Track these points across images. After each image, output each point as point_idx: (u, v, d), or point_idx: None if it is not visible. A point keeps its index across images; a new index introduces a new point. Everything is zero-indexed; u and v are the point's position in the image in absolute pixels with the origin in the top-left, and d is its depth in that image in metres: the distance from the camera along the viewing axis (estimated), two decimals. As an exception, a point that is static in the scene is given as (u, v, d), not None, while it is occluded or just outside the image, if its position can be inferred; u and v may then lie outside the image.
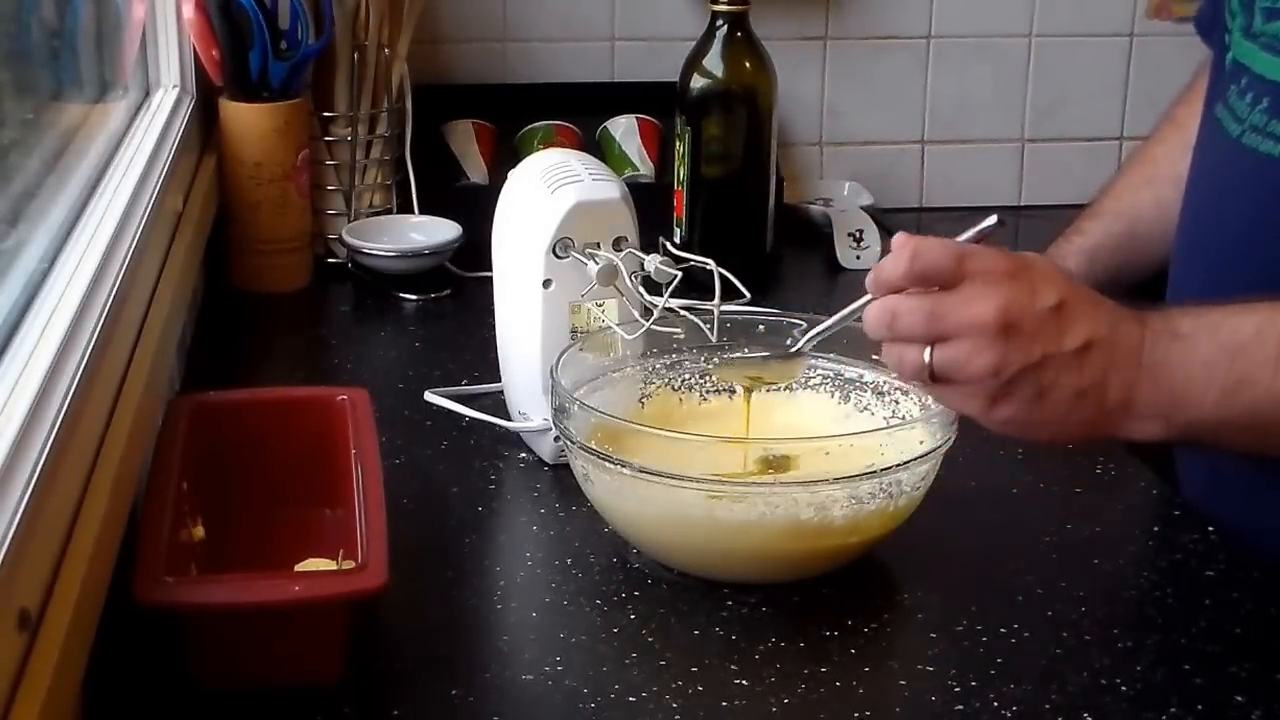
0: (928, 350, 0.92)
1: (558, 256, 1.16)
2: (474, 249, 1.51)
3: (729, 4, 1.56)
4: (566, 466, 1.12)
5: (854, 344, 1.17)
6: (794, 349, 1.08)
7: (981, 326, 0.91)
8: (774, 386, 1.15)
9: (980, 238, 0.97)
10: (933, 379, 0.94)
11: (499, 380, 1.27)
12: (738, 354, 1.15)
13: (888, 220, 1.84)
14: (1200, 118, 1.21)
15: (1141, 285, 1.33)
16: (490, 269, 1.24)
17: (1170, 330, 0.94)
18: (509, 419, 1.25)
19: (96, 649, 0.84)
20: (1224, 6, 1.18)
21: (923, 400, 1.12)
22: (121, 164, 1.31)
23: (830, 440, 1.05)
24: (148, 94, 1.57)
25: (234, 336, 1.52)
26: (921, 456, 1.02)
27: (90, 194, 1.22)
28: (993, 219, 0.99)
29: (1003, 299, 0.91)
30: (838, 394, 1.17)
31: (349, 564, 0.96)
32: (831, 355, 1.18)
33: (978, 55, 1.98)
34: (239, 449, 1.09)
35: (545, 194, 1.16)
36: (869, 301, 0.97)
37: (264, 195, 1.58)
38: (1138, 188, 1.38)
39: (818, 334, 1.07)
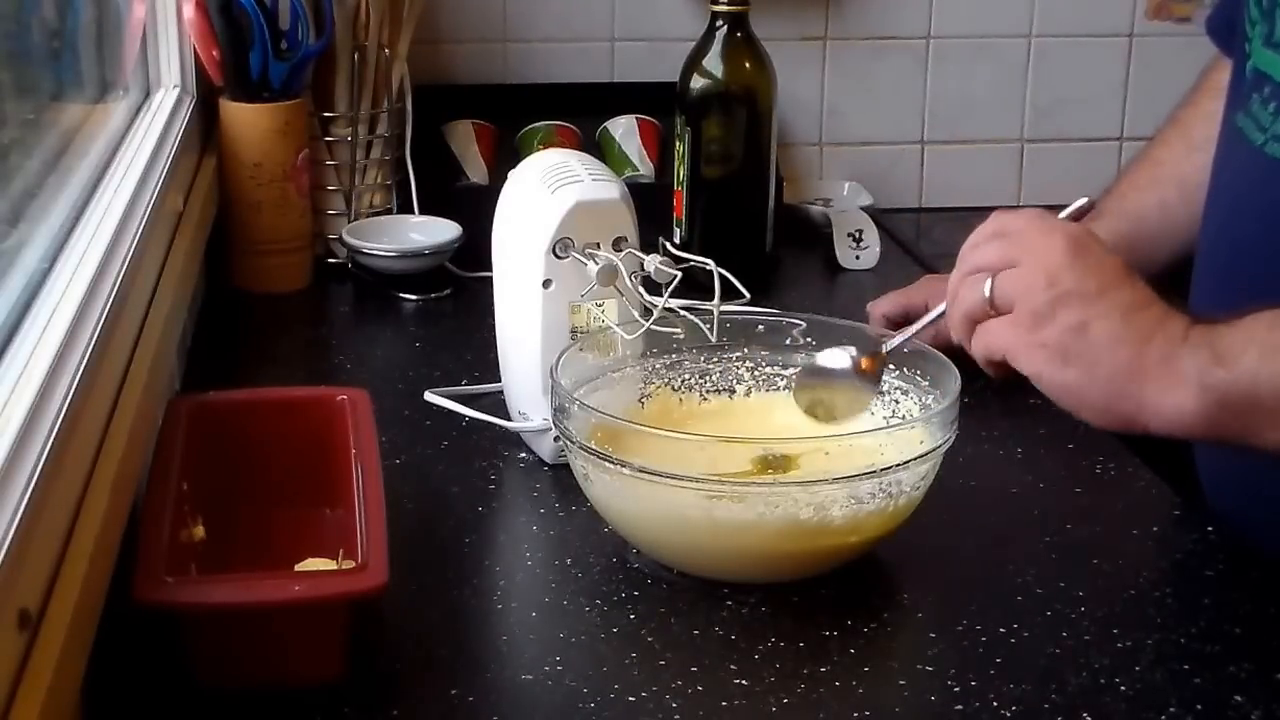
0: (989, 281, 0.98)
1: (558, 256, 1.16)
2: (474, 249, 1.52)
3: (729, 4, 1.56)
4: (566, 466, 1.12)
5: (853, 344, 1.17)
6: (884, 349, 1.12)
7: (1050, 249, 0.97)
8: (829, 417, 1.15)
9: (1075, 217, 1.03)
10: (991, 306, 0.98)
11: (499, 380, 1.27)
12: (814, 369, 1.15)
13: (887, 220, 1.84)
14: (1218, 125, 1.21)
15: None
16: (490, 269, 1.24)
17: (1217, 320, 0.98)
18: (509, 419, 1.25)
19: (96, 649, 0.84)
20: (1243, 14, 1.17)
21: (923, 400, 1.12)
22: (122, 164, 1.32)
23: (830, 440, 1.05)
24: (148, 94, 1.57)
25: (234, 336, 1.52)
26: (921, 456, 1.02)
27: (90, 194, 1.22)
28: (1084, 200, 1.07)
29: (1073, 238, 0.98)
30: (837, 394, 1.17)
31: (349, 564, 0.96)
32: (831, 355, 1.18)
33: (978, 55, 1.98)
34: (239, 449, 1.09)
35: (545, 194, 1.16)
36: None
37: (264, 195, 1.58)
38: (1142, 189, 1.38)
39: (902, 341, 1.11)
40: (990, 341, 1.00)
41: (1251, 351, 0.94)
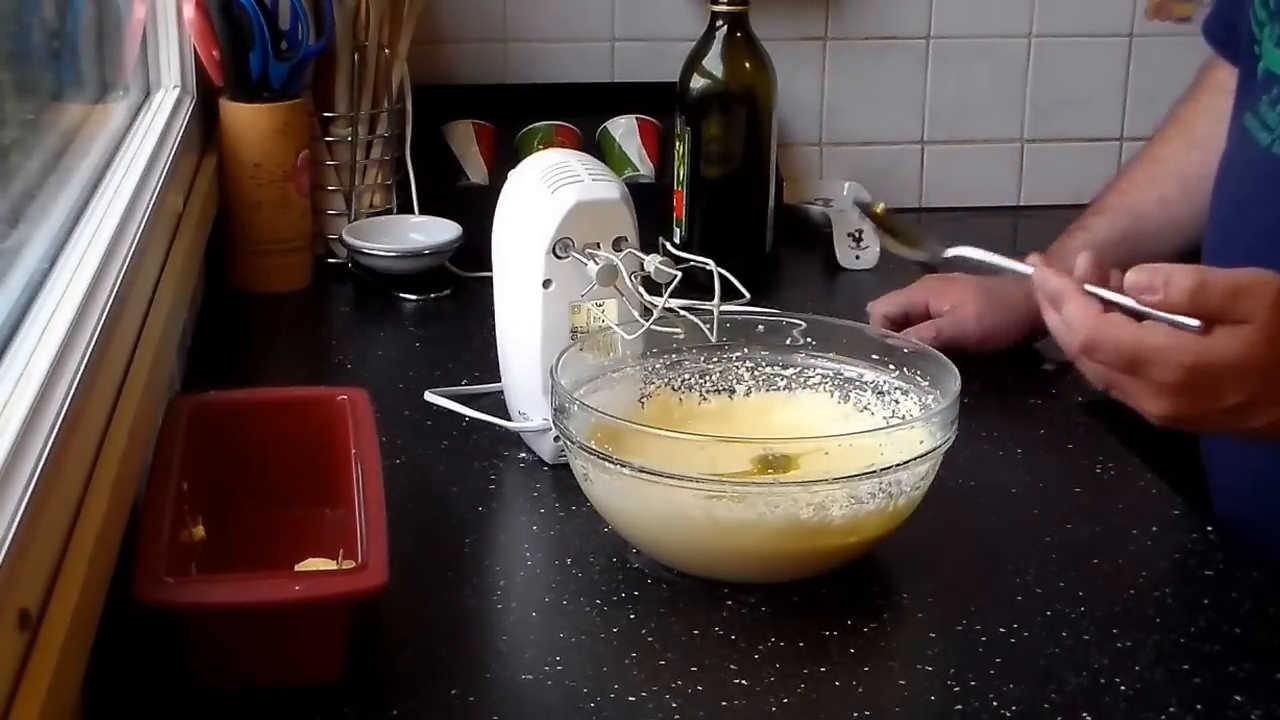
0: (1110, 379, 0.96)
1: (558, 256, 1.16)
2: (474, 249, 1.52)
3: (729, 4, 1.56)
4: (566, 466, 1.12)
5: (854, 344, 1.17)
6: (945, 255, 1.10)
7: (1162, 388, 0.94)
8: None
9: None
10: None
11: (499, 380, 1.27)
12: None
13: (888, 220, 1.84)
14: (1219, 120, 1.20)
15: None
16: (490, 269, 1.24)
17: None
18: (509, 419, 1.25)
19: (96, 649, 0.84)
20: (1247, 16, 1.17)
21: (922, 400, 1.12)
22: (122, 164, 1.32)
23: (830, 440, 1.05)
24: (148, 94, 1.57)
25: (234, 336, 1.52)
26: (921, 456, 1.02)
27: (91, 194, 1.22)
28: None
29: (1182, 388, 0.93)
30: (837, 394, 1.17)
31: (349, 564, 0.96)
32: (831, 355, 1.18)
33: (978, 55, 1.98)
34: (239, 449, 1.09)
35: (545, 194, 1.16)
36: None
37: (264, 195, 1.58)
38: (1142, 185, 1.38)
39: (971, 255, 1.07)
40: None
41: None
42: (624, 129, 1.85)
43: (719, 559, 1.03)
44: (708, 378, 1.20)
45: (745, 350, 1.19)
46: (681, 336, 1.18)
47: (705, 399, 1.20)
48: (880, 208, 1.08)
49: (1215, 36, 1.29)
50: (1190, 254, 1.26)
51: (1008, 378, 1.39)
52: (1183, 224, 1.31)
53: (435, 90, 1.80)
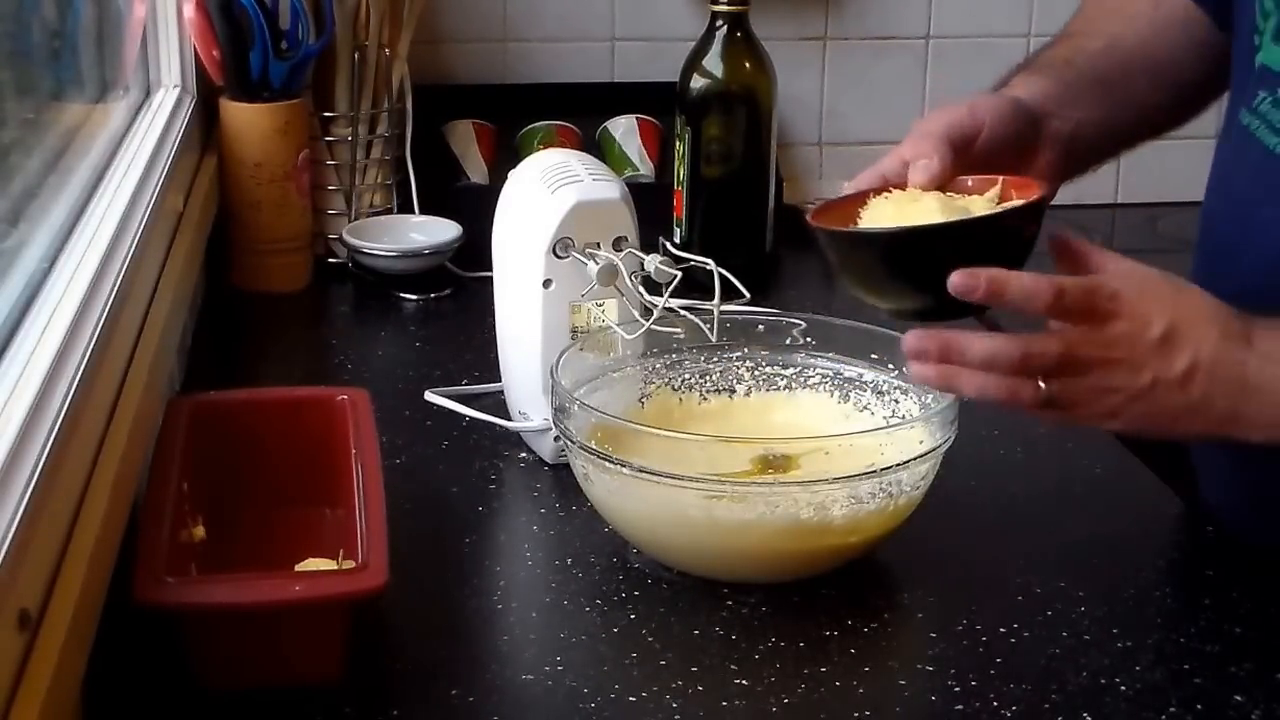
0: (1041, 384, 0.94)
1: (558, 256, 1.16)
2: (474, 249, 1.52)
3: (729, 4, 1.56)
4: (566, 466, 1.12)
5: (853, 344, 1.17)
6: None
7: (1098, 360, 0.93)
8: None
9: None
10: (1046, 407, 0.95)
11: (499, 380, 1.27)
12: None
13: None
14: (1224, 117, 1.18)
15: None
16: (490, 269, 1.24)
17: (1275, 353, 0.95)
18: (509, 419, 1.25)
19: (96, 649, 0.84)
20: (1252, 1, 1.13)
21: (922, 400, 1.12)
22: (122, 164, 1.32)
23: (830, 440, 1.05)
24: (148, 94, 1.57)
25: (234, 336, 1.52)
26: (921, 456, 1.02)
27: (91, 194, 1.22)
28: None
29: (1116, 334, 0.93)
30: (837, 393, 1.17)
31: (349, 564, 0.96)
32: (831, 355, 1.18)
33: (977, 55, 1.98)
34: (239, 449, 1.09)
35: (545, 194, 1.16)
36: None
37: (264, 195, 1.58)
38: (1109, 15, 1.30)
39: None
40: (1051, 420, 0.99)
41: None
42: (624, 129, 1.85)
43: (719, 559, 1.03)
44: (708, 377, 1.20)
45: (745, 350, 1.19)
46: (682, 336, 1.18)
47: (705, 399, 1.20)
48: None
49: (1210, 5, 1.23)
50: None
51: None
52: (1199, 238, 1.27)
53: (435, 90, 1.80)
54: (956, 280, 0.92)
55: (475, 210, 1.46)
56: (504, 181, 1.23)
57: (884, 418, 1.14)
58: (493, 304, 1.25)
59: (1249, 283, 1.12)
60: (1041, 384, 0.94)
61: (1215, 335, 0.95)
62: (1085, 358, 0.93)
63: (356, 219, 1.67)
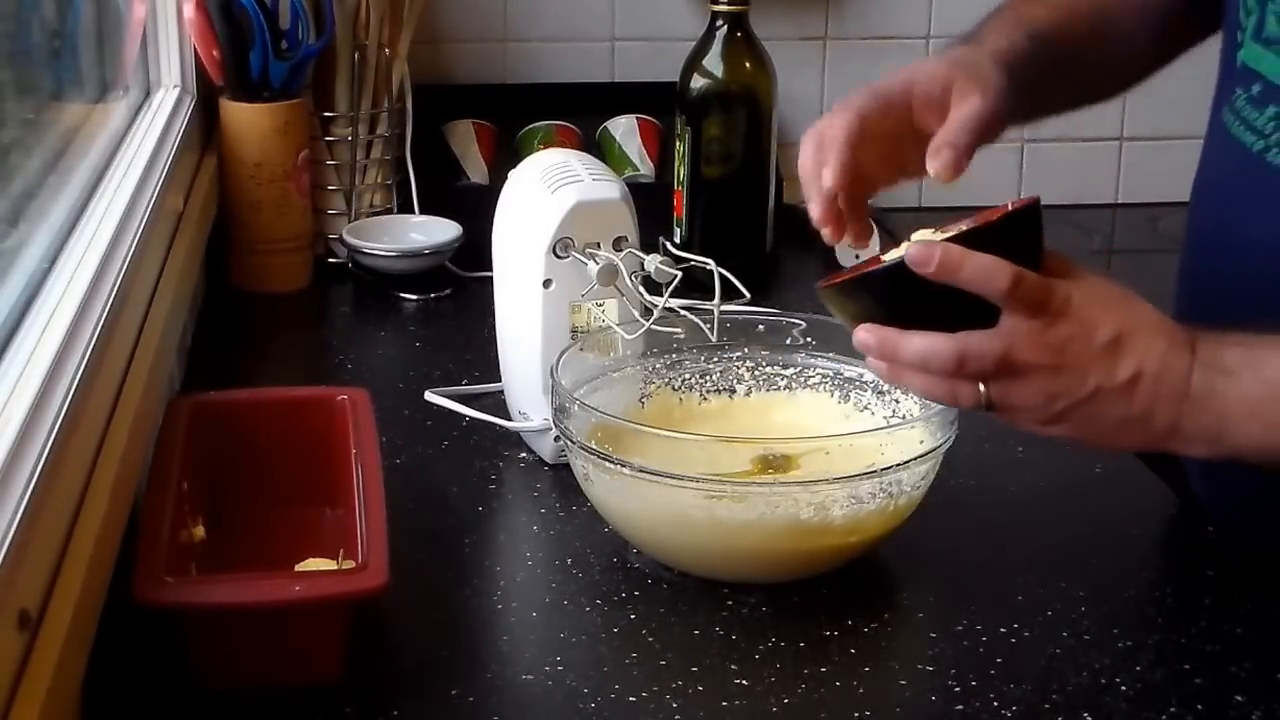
0: (982, 386, 0.93)
1: (558, 256, 1.16)
2: (474, 249, 1.52)
3: (729, 4, 1.56)
4: (566, 466, 1.12)
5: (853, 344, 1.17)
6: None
7: (1042, 366, 0.92)
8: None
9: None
10: (988, 409, 0.94)
11: (499, 380, 1.27)
12: None
13: (887, 220, 1.84)
14: (1209, 115, 1.18)
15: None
16: (490, 269, 1.24)
17: (1218, 364, 0.94)
18: (509, 419, 1.25)
19: (96, 649, 0.84)
20: None
21: (923, 400, 1.12)
22: (122, 164, 1.32)
23: (830, 440, 1.05)
24: (148, 94, 1.57)
25: (234, 336, 1.52)
26: (921, 456, 1.02)
27: (91, 194, 1.22)
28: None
29: (1063, 337, 0.92)
30: (838, 393, 1.17)
31: (349, 564, 0.96)
32: (831, 354, 1.18)
33: (978, 55, 1.98)
34: (239, 449, 1.09)
35: (545, 194, 1.16)
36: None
37: (264, 195, 1.58)
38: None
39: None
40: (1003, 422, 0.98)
41: (1254, 427, 0.93)
42: (624, 129, 1.85)
43: (720, 559, 1.03)
44: (708, 377, 1.20)
45: (745, 350, 1.19)
46: (682, 336, 1.18)
47: (705, 399, 1.20)
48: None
49: None
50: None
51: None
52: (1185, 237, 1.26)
53: (435, 90, 1.80)
54: (914, 252, 0.90)
55: (475, 210, 1.46)
56: (504, 181, 1.23)
57: (884, 418, 1.14)
58: (493, 304, 1.25)
59: (1232, 284, 1.12)
60: (982, 387, 0.92)
61: (1162, 346, 0.93)
62: (1026, 362, 0.91)
63: (356, 219, 1.67)
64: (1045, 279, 0.92)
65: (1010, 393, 0.93)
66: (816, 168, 1.05)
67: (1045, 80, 1.16)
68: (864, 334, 0.94)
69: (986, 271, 0.91)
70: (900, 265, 0.91)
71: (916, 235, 0.96)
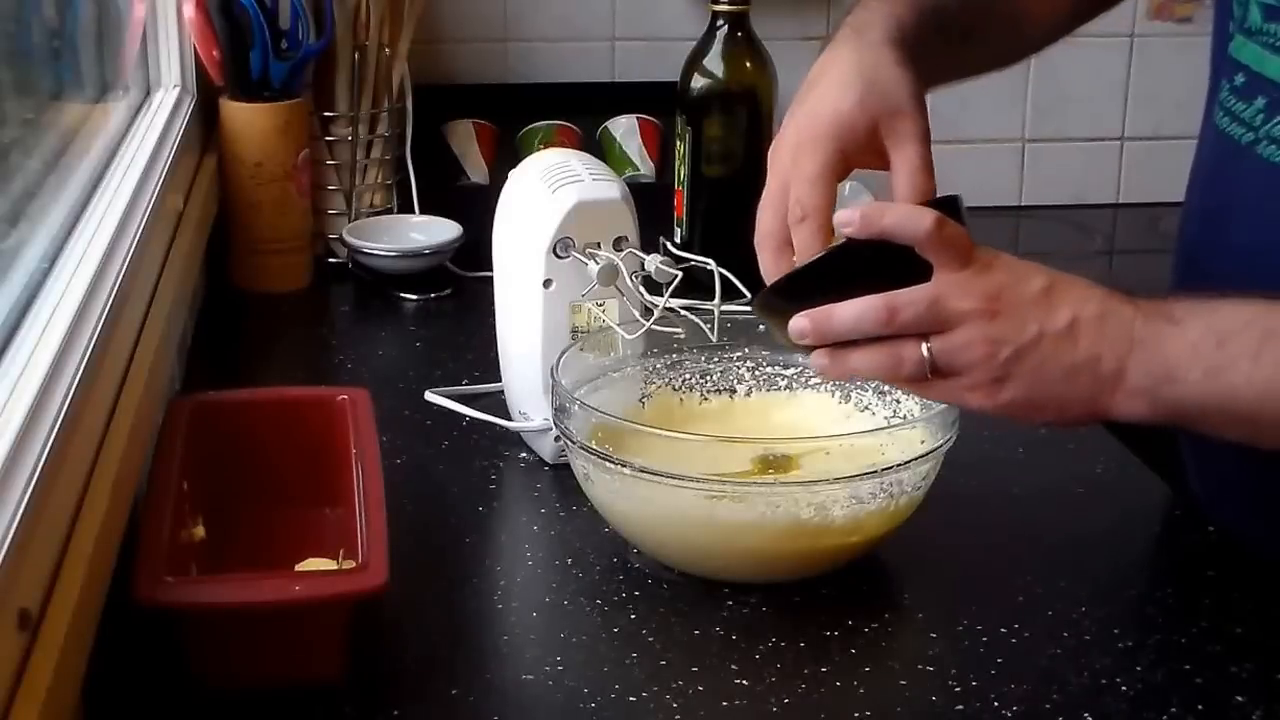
0: (924, 345, 0.92)
1: (558, 256, 1.16)
2: (474, 249, 1.52)
3: (729, 4, 1.56)
4: (566, 466, 1.12)
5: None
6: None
7: (978, 312, 0.91)
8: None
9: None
10: (933, 372, 0.93)
11: (499, 380, 1.27)
12: None
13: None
14: (1202, 113, 1.18)
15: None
16: (490, 269, 1.24)
17: (1163, 312, 0.93)
18: (509, 419, 1.25)
19: (96, 649, 0.84)
20: None
21: (923, 400, 1.12)
22: (122, 164, 1.32)
23: (830, 440, 1.05)
24: (148, 94, 1.57)
25: (234, 336, 1.52)
26: (922, 456, 1.02)
27: (91, 194, 1.22)
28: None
29: (995, 284, 0.92)
30: (838, 393, 1.17)
31: (349, 564, 0.96)
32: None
33: (978, 55, 1.98)
34: (239, 449, 1.09)
35: (546, 194, 1.16)
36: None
37: (264, 195, 1.58)
38: None
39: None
40: (952, 398, 0.96)
41: (1195, 372, 0.92)
42: (624, 129, 1.85)
43: (720, 559, 1.03)
44: (708, 378, 1.20)
45: (746, 350, 1.19)
46: (682, 336, 1.18)
47: (706, 399, 1.20)
48: None
49: None
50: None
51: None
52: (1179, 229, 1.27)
53: (435, 90, 1.80)
54: (838, 216, 0.91)
55: (475, 210, 1.46)
56: (504, 181, 1.23)
57: (885, 418, 1.14)
58: (493, 304, 1.25)
59: (1224, 279, 1.12)
60: (924, 348, 0.92)
61: (1098, 295, 0.93)
62: (960, 310, 0.91)
63: (356, 219, 1.67)
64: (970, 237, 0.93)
65: (951, 346, 0.92)
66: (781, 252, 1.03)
67: (950, 45, 1.17)
68: (798, 320, 0.93)
69: (909, 215, 0.92)
70: (825, 254, 0.93)
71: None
